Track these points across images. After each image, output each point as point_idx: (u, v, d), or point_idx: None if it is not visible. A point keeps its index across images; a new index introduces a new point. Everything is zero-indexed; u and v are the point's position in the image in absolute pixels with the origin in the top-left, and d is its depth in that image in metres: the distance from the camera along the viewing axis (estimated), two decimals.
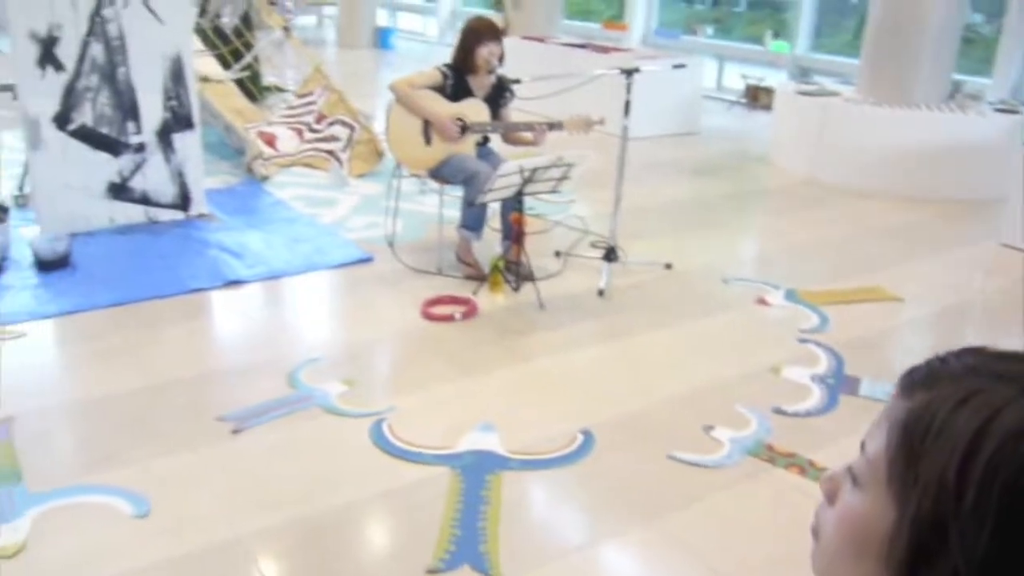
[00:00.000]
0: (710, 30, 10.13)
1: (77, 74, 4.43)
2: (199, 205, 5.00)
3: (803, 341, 3.80)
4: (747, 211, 5.87)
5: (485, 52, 4.15)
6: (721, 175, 6.72)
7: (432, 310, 3.89)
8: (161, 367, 3.35)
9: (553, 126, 4.31)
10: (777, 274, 4.59)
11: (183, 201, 4.94)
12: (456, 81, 4.23)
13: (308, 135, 6.43)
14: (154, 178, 4.80)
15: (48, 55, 4.33)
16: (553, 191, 4.13)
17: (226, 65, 7.24)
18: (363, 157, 6.14)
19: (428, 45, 13.44)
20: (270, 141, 6.30)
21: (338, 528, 2.49)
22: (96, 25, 4.39)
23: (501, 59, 4.25)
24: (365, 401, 3.14)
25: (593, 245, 4.85)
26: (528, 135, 4.34)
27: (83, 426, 2.99)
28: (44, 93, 4.36)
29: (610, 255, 4.42)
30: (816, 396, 3.34)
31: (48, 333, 3.60)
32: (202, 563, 2.31)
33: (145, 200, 4.81)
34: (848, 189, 6.18)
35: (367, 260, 4.47)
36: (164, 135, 4.77)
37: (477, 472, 2.75)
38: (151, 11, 4.51)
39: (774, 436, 3.03)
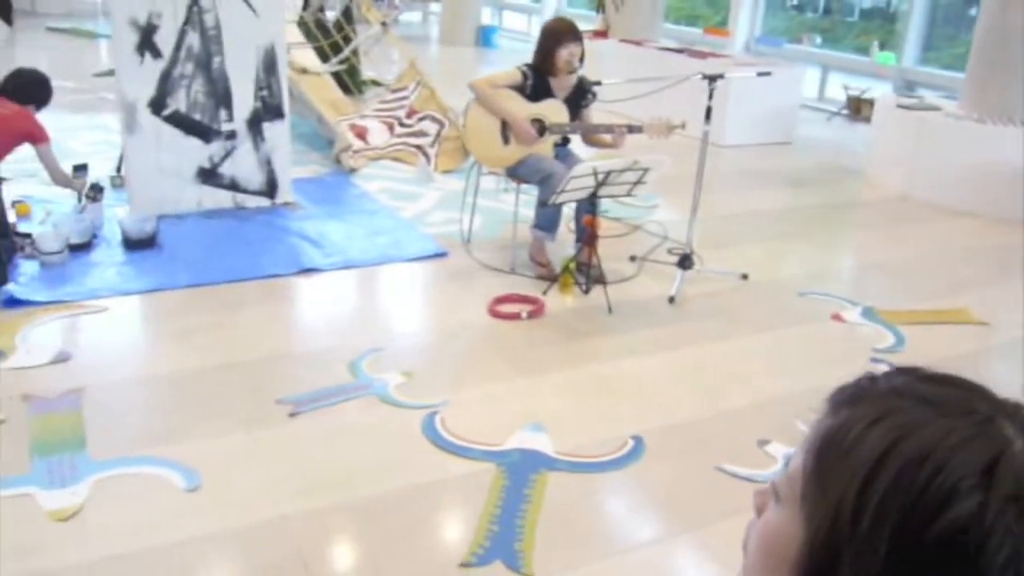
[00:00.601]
0: (818, 39, 9.83)
1: (173, 62, 4.63)
2: (285, 193, 5.15)
3: (876, 360, 3.65)
4: (834, 225, 5.67)
5: (565, 53, 4.13)
6: (813, 187, 6.52)
7: (499, 308, 3.90)
8: (230, 348, 3.46)
9: (633, 129, 4.26)
10: (857, 290, 4.43)
11: (270, 189, 5.09)
12: (536, 82, 4.22)
13: (398, 129, 6.54)
14: (243, 165, 4.97)
15: (147, 42, 4.53)
16: (629, 195, 4.08)
17: (325, 58, 7.44)
18: (450, 153, 6.20)
19: (531, 44, 13.47)
20: (361, 134, 6.44)
21: (378, 516, 2.52)
22: (193, 15, 4.57)
23: (581, 59, 4.23)
24: (421, 393, 3.17)
25: (670, 251, 4.77)
26: (608, 137, 4.31)
27: (150, 400, 3.11)
28: (141, 79, 4.57)
29: (684, 262, 4.34)
30: None
31: (128, 309, 3.76)
32: (243, 540, 2.38)
33: (233, 186, 4.99)
34: (943, 207, 5.91)
35: (442, 255, 4.52)
36: (254, 124, 4.94)
37: (522, 470, 2.75)
38: (247, 3, 4.67)
39: None
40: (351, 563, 2.41)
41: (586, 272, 4.25)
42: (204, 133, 4.82)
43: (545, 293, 4.09)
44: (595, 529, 2.54)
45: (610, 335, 3.79)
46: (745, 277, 4.47)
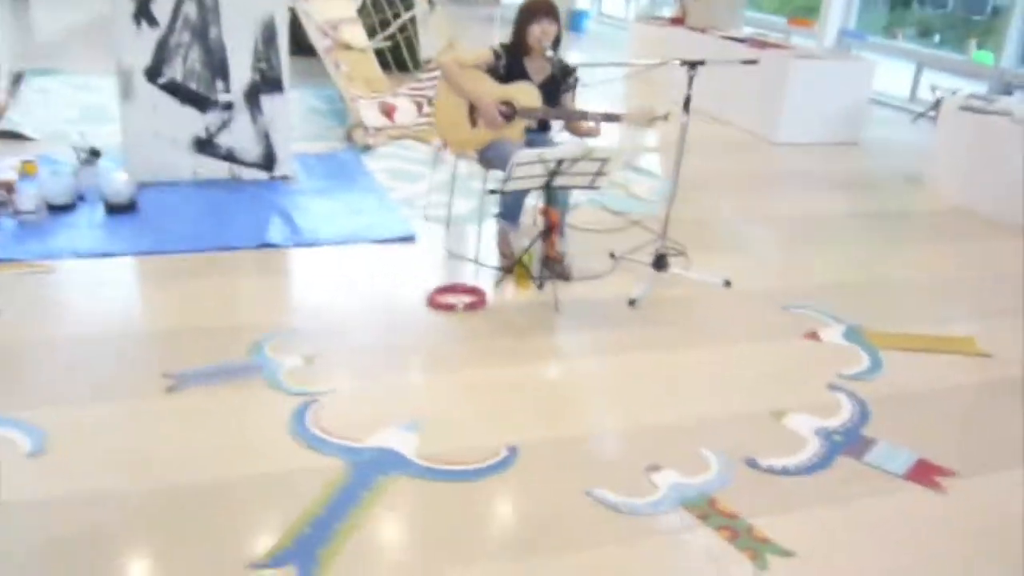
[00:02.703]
0: (911, 33, 9.09)
1: (170, 30, 4.66)
2: (284, 167, 5.13)
3: (834, 387, 3.28)
4: (870, 235, 5.18)
5: (537, 31, 3.89)
6: (863, 193, 6.00)
7: (439, 298, 3.73)
8: (146, 318, 3.45)
9: (611, 117, 3.99)
10: (858, 308, 4.01)
11: (267, 161, 5.08)
12: (510, 62, 4.01)
13: (427, 109, 6.43)
14: (240, 136, 4.98)
15: (143, 10, 4.58)
16: (592, 186, 3.80)
17: (375, 36, 7.41)
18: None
19: (623, 31, 13.10)
20: (390, 112, 6.37)
21: (201, 502, 2.41)
22: None
23: (558, 41, 3.97)
24: (311, 380, 3.06)
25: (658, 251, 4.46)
26: (589, 125, 4.04)
27: (37, 362, 3.09)
28: (138, 47, 4.63)
29: (659, 263, 4.04)
30: (808, 452, 2.85)
31: (71, 272, 3.80)
32: (62, 512, 2.32)
33: (230, 157, 5.00)
34: (1000, 223, 5.31)
35: (409, 239, 4.38)
36: (252, 96, 4.93)
37: (370, 472, 2.59)
38: None
39: (729, 490, 2.61)
40: (145, 548, 2.29)
41: (552, 267, 4.03)
42: (200, 103, 4.85)
43: (497, 285, 3.90)
44: (416, 543, 2.35)
45: (546, 335, 3.55)
46: (728, 284, 4.13)
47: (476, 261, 4.15)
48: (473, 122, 4.03)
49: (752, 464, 2.76)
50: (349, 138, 5.89)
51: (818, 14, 9.41)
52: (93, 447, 2.61)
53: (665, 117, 4.02)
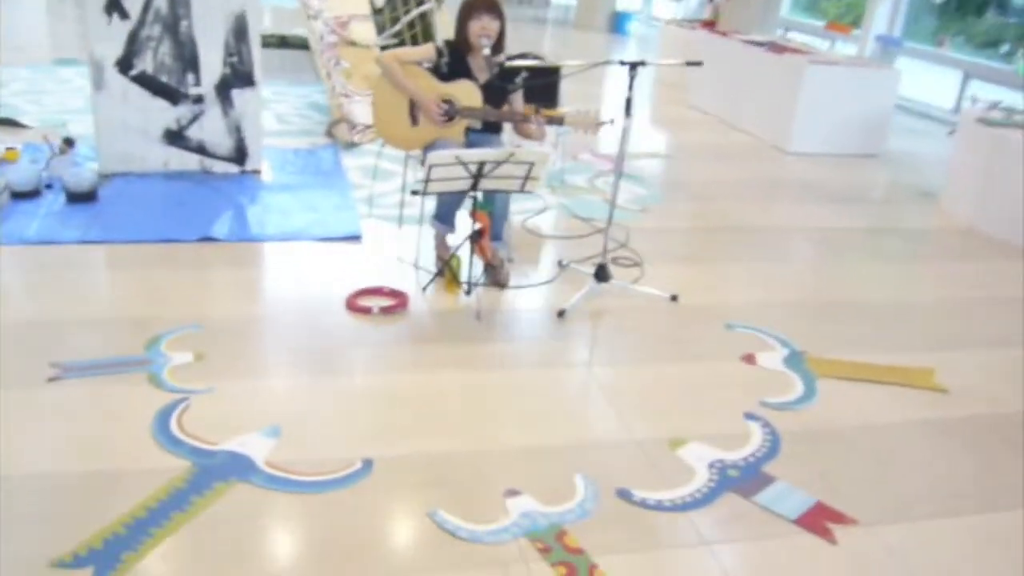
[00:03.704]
0: (960, 42, 8.59)
1: (141, 23, 4.68)
2: (255, 161, 5.11)
3: (751, 416, 3.05)
4: (859, 253, 4.86)
5: (476, 27, 3.75)
6: (868, 208, 5.67)
7: (356, 300, 3.63)
8: (58, 306, 3.43)
9: (553, 120, 3.83)
10: (814, 329, 3.75)
11: (239, 155, 5.07)
12: (453, 60, 3.88)
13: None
14: (211, 130, 4.97)
15: (114, 2, 4.60)
16: (522, 190, 3.64)
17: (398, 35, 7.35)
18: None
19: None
20: None
21: (25, 495, 2.37)
22: None
23: (501, 38, 3.82)
24: (192, 378, 2.99)
25: (614, 260, 4.28)
26: (532, 127, 3.89)
27: None
28: (109, 38, 4.66)
29: (601, 274, 3.86)
30: (692, 487, 2.64)
31: (10, 257, 3.83)
32: None
33: (201, 150, 5.00)
34: (1009, 245, 4.94)
35: (354, 239, 4.30)
36: (223, 89, 4.92)
37: (210, 476, 2.50)
38: None
39: (586, 523, 2.44)
40: None
41: (489, 272, 3.90)
42: (171, 95, 4.86)
43: (424, 290, 3.78)
44: (221, 555, 2.23)
45: (453, 344, 3.40)
46: (675, 299, 3.92)
47: (416, 264, 4.04)
48: (414, 120, 3.92)
49: (624, 495, 2.57)
50: (329, 134, 5.84)
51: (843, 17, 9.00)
52: None
53: (610, 122, 3.85)
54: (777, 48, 7.01)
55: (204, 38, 4.79)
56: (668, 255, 4.50)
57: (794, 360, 3.49)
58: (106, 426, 2.72)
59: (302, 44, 8.20)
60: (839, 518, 2.57)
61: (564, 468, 2.67)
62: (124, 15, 4.64)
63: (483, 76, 3.91)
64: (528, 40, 12.36)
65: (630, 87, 3.60)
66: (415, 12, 7.30)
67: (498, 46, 3.83)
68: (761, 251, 4.74)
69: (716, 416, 3.05)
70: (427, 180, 3.42)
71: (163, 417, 2.76)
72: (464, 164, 3.40)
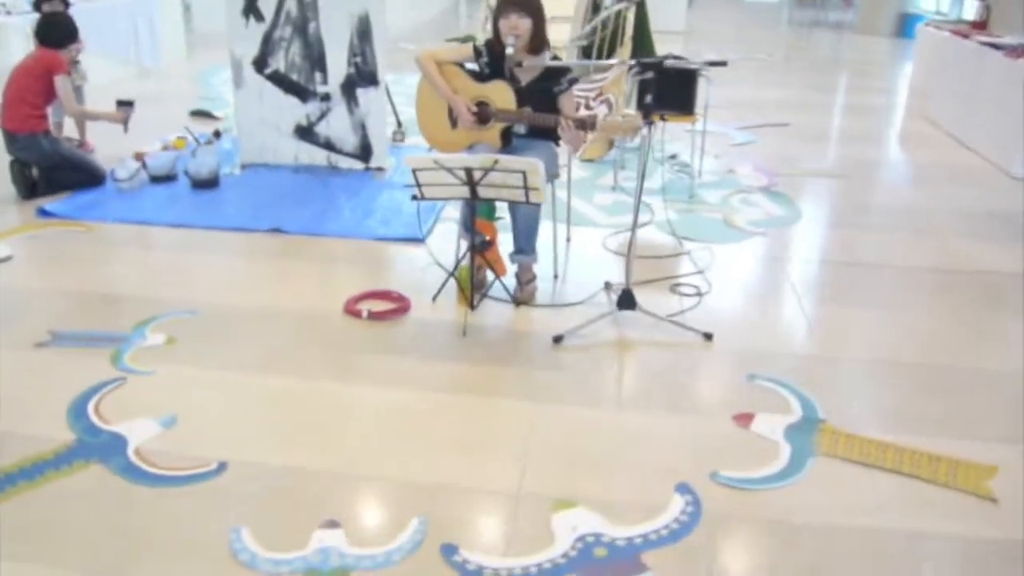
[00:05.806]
0: None
1: (274, 25, 5.00)
2: (379, 159, 5.24)
3: (682, 489, 2.52)
4: (1014, 308, 3.82)
5: (505, 26, 3.49)
6: (1005, 242, 4.45)
7: (353, 303, 3.57)
8: (99, 280, 3.79)
9: (585, 124, 3.47)
10: (862, 395, 3.03)
11: (364, 152, 5.24)
12: (492, 60, 3.66)
13: (581, 111, 6.09)
14: (337, 127, 5.19)
15: (251, 6, 4.97)
16: (527, 201, 3.33)
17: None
18: (601, 140, 5.62)
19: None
20: None
21: None
22: None
23: (536, 36, 3.52)
24: (146, 361, 3.13)
25: (675, 288, 3.79)
26: (567, 133, 3.55)
27: None
28: (247, 39, 5.04)
29: (624, 302, 3.43)
30: (537, 558, 2.23)
31: (101, 232, 4.30)
32: None
33: (328, 146, 5.24)
34: None
35: (410, 240, 4.24)
36: (348, 88, 5.10)
37: (78, 454, 2.59)
38: None
39: (379, 573, 2.17)
40: None
41: (516, 288, 3.65)
42: (301, 93, 5.14)
43: (434, 299, 3.62)
44: (33, 531, 2.30)
45: (420, 359, 3.20)
46: (709, 337, 3.36)
47: (451, 272, 3.88)
48: (453, 122, 3.76)
49: (447, 552, 2.25)
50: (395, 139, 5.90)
51: None
52: None
53: (650, 125, 3.40)
54: (1013, 52, 5.70)
55: (330, 38, 5.00)
56: (749, 288, 3.89)
57: (802, 429, 2.83)
58: (33, 391, 2.92)
59: None
60: None
61: (408, 509, 2.40)
62: (259, 17, 5.00)
63: (527, 76, 3.64)
64: (791, 44, 11.33)
65: (639, 91, 3.15)
66: (607, 12, 7.03)
67: (535, 45, 3.56)
68: (878, 294, 3.91)
69: (642, 482, 2.56)
70: (416, 184, 3.27)
71: (89, 393, 2.92)
72: (449, 170, 3.19)
